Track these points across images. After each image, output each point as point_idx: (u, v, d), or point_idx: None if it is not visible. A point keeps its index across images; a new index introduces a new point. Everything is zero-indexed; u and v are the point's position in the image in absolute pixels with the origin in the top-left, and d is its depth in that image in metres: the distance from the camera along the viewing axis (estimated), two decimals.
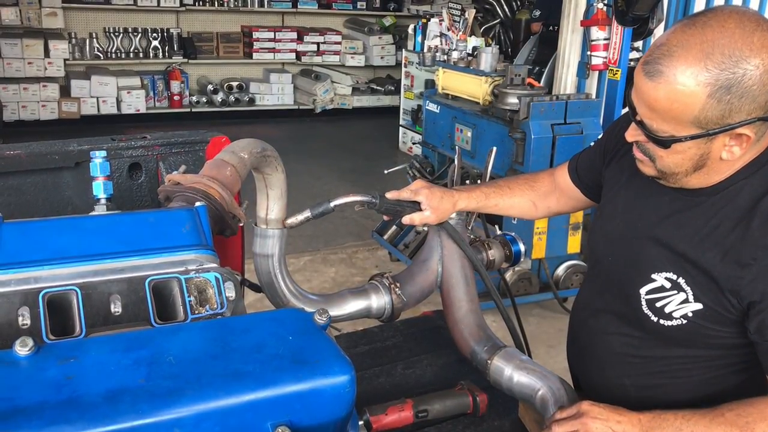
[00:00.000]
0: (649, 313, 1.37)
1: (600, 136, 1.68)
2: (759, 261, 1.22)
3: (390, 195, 1.58)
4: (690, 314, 1.31)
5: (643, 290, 1.37)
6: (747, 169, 1.27)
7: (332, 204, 1.53)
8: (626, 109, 1.74)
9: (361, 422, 1.27)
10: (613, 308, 1.48)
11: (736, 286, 1.24)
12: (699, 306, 1.30)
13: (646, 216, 1.40)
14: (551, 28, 5.44)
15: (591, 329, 1.54)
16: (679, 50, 1.16)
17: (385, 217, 1.65)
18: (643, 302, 1.37)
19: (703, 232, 1.29)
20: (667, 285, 1.33)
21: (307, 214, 1.53)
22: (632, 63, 4.52)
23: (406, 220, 1.58)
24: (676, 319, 1.33)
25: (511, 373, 1.48)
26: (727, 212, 1.28)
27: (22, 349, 0.92)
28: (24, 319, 1.07)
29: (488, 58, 4.26)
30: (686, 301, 1.31)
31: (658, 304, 1.35)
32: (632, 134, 1.30)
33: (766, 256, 1.21)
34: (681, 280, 1.31)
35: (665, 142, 1.23)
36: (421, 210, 1.58)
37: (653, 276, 1.35)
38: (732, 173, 1.28)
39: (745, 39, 1.13)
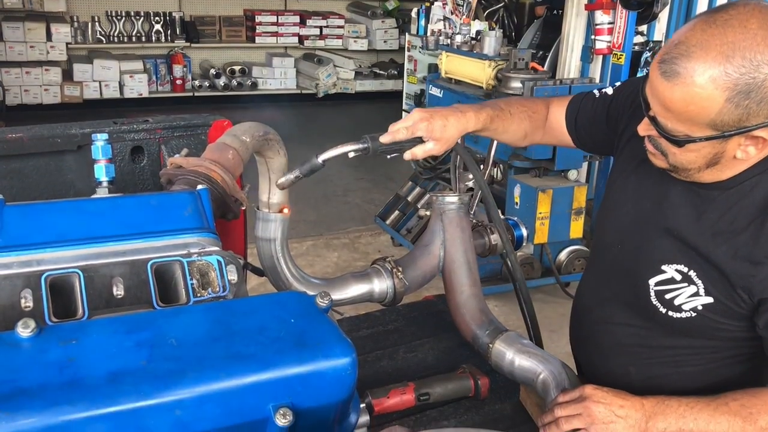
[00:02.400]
0: (658, 305, 1.35)
1: (605, 90, 1.57)
2: None
3: (384, 138, 1.43)
4: (700, 307, 1.30)
5: (652, 281, 1.35)
6: (763, 163, 1.24)
7: (320, 159, 1.42)
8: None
9: (363, 405, 1.28)
10: (619, 297, 1.46)
11: (748, 283, 1.23)
12: (710, 300, 1.28)
13: (658, 205, 1.38)
14: (555, 11, 5.40)
15: (596, 318, 1.53)
16: (697, 51, 1.11)
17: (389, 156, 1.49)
18: (652, 293, 1.36)
19: (717, 227, 1.28)
20: (678, 277, 1.32)
21: (296, 173, 1.43)
22: (636, 47, 4.49)
23: (407, 155, 1.46)
24: (686, 311, 1.31)
25: (513, 357, 1.48)
26: (741, 208, 1.26)
27: (24, 330, 0.93)
28: (26, 302, 1.08)
29: (492, 42, 4.23)
30: (696, 294, 1.30)
31: (668, 296, 1.33)
32: (645, 129, 1.27)
33: None
34: (692, 273, 1.30)
35: (679, 142, 1.20)
36: (423, 143, 1.45)
37: (663, 267, 1.34)
38: (746, 168, 1.25)
39: None
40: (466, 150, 1.53)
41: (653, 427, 1.25)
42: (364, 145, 1.43)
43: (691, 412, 1.23)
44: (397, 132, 1.42)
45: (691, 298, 1.30)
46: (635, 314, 1.42)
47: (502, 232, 1.66)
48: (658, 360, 1.43)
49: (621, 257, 1.46)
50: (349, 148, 1.43)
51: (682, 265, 1.31)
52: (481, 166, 1.77)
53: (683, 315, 1.32)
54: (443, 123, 1.44)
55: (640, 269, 1.38)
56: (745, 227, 1.24)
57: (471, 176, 1.79)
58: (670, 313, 1.33)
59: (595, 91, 1.59)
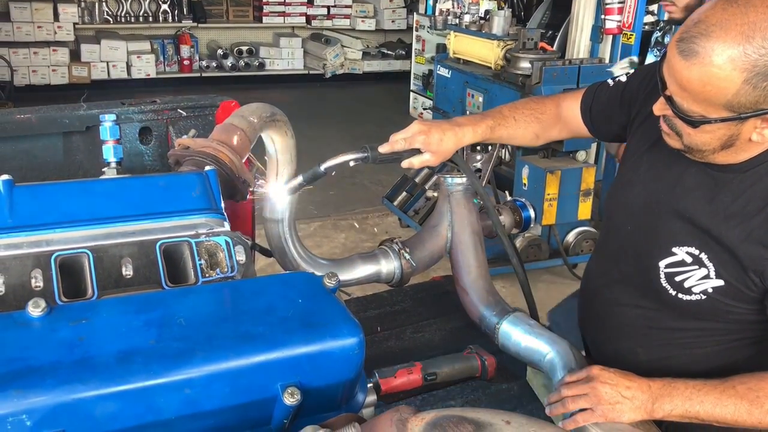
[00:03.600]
0: (668, 287, 1.35)
1: (619, 77, 1.58)
2: None
3: (383, 148, 1.49)
4: (710, 290, 1.29)
5: (662, 263, 1.34)
6: None
7: (322, 167, 1.47)
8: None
9: (370, 384, 1.29)
10: (628, 279, 1.46)
11: (760, 266, 1.23)
12: (720, 282, 1.28)
13: (670, 187, 1.37)
14: None
15: (604, 299, 1.53)
16: (717, 30, 1.09)
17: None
18: (662, 275, 1.35)
19: (730, 210, 1.27)
20: (688, 260, 1.31)
21: (299, 180, 1.48)
22: (647, 27, 4.45)
23: (405, 164, 1.51)
24: (696, 294, 1.31)
25: (520, 337, 1.48)
26: (756, 191, 1.25)
27: (35, 310, 0.94)
28: (37, 282, 1.09)
29: (500, 21, 4.20)
30: (707, 276, 1.29)
31: (678, 278, 1.33)
32: (660, 108, 1.26)
33: None
34: (703, 256, 1.29)
35: (694, 122, 1.19)
36: (420, 153, 1.50)
37: (674, 249, 1.33)
38: (762, 152, 1.24)
39: None
40: (461, 157, 1.58)
41: (659, 408, 1.25)
42: (364, 155, 1.49)
43: (698, 394, 1.23)
44: (395, 143, 1.48)
45: (701, 280, 1.30)
46: (644, 296, 1.42)
47: (494, 219, 1.66)
48: (666, 342, 1.42)
49: (631, 239, 1.45)
50: (350, 157, 1.49)
51: (693, 248, 1.30)
52: (489, 147, 1.76)
53: (693, 297, 1.32)
54: (440, 137, 1.49)
55: (650, 251, 1.37)
56: (759, 210, 1.23)
57: (479, 157, 1.79)
58: (680, 295, 1.33)
59: (609, 81, 1.59)
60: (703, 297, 1.31)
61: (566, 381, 1.32)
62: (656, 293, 1.37)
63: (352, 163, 1.50)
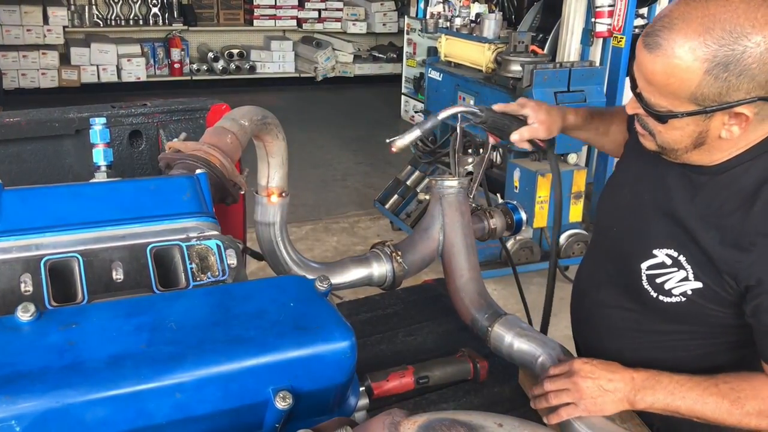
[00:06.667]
0: (649, 289, 1.35)
1: None
2: (758, 247, 1.19)
3: (497, 107, 1.58)
4: (689, 292, 1.29)
5: (644, 265, 1.35)
6: (755, 149, 1.23)
7: (440, 116, 1.56)
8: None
9: (362, 388, 1.28)
10: (614, 281, 1.47)
11: (733, 269, 1.22)
12: (699, 285, 1.28)
13: (654, 189, 1.38)
14: None
15: (592, 301, 1.54)
16: (679, 23, 1.12)
17: (492, 139, 1.63)
18: (644, 277, 1.36)
19: (705, 212, 1.27)
20: (668, 262, 1.32)
21: (416, 132, 1.54)
22: (637, 30, 4.47)
23: (515, 136, 1.56)
24: (676, 296, 1.31)
25: (512, 340, 1.48)
26: (731, 193, 1.25)
27: (24, 314, 0.93)
28: (26, 286, 1.08)
29: (491, 24, 4.21)
30: (686, 279, 1.29)
31: (658, 280, 1.33)
32: (632, 107, 1.27)
33: (765, 242, 1.19)
34: (682, 258, 1.30)
35: (662, 117, 1.20)
36: (527, 125, 1.56)
37: (655, 252, 1.33)
38: (739, 153, 1.24)
39: (749, 14, 1.08)
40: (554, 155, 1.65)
41: (641, 400, 1.27)
42: (479, 113, 1.57)
43: (681, 390, 1.25)
44: (509, 104, 1.59)
45: (680, 282, 1.30)
46: (629, 298, 1.43)
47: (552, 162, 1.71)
48: (650, 344, 1.43)
49: (616, 240, 1.46)
50: (464, 109, 1.57)
51: (672, 250, 1.31)
52: (481, 150, 1.77)
53: (673, 300, 1.32)
54: (548, 109, 1.59)
55: (633, 252, 1.38)
56: (732, 213, 1.23)
57: (470, 160, 1.79)
58: (661, 297, 1.33)
59: None
60: (683, 299, 1.31)
61: (549, 374, 1.32)
62: (639, 295, 1.38)
63: (461, 124, 1.58)
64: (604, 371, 1.29)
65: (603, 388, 1.28)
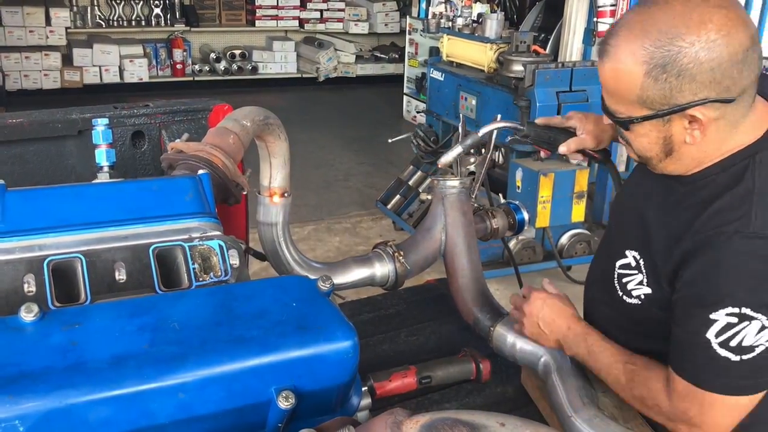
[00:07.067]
0: (618, 287, 1.36)
1: None
2: (690, 255, 1.18)
3: (539, 120, 1.56)
4: (643, 296, 1.30)
5: (617, 263, 1.36)
6: (727, 161, 1.20)
7: (480, 133, 1.57)
8: None
9: (365, 388, 1.29)
10: (600, 278, 1.48)
11: (671, 276, 1.22)
12: (649, 290, 1.29)
13: (639, 192, 1.39)
14: None
15: (588, 297, 1.55)
16: (622, 29, 1.15)
17: (542, 153, 1.64)
18: (615, 275, 1.37)
19: (665, 219, 1.27)
20: (633, 263, 1.33)
21: (458, 149, 1.56)
22: None
23: (562, 148, 1.53)
24: (634, 297, 1.32)
25: (514, 340, 1.49)
26: (689, 204, 1.23)
27: (28, 315, 0.93)
28: (29, 287, 1.08)
29: (493, 24, 4.21)
30: (641, 283, 1.30)
31: (624, 280, 1.34)
32: (605, 118, 1.29)
33: (697, 250, 1.17)
34: (641, 262, 1.31)
35: (623, 124, 1.22)
36: (576, 136, 1.54)
37: (626, 252, 1.34)
38: (710, 164, 1.22)
39: (685, 15, 1.09)
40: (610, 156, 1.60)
41: (567, 348, 1.40)
42: (520, 126, 1.56)
43: (596, 354, 1.33)
44: (552, 118, 1.56)
45: (638, 286, 1.31)
46: (606, 295, 1.43)
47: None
48: (624, 342, 1.42)
49: (606, 239, 1.50)
50: (506, 124, 1.57)
51: (637, 252, 1.32)
52: (482, 150, 1.77)
53: (632, 301, 1.33)
54: (596, 119, 1.55)
55: (613, 251, 1.40)
56: (684, 222, 1.22)
57: (472, 160, 1.79)
58: (624, 297, 1.34)
59: None
60: (639, 302, 1.31)
61: (522, 292, 1.49)
62: (612, 293, 1.38)
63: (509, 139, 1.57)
64: (549, 312, 1.42)
65: (540, 327, 1.42)
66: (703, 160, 1.22)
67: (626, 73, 1.15)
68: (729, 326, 1.11)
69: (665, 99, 1.14)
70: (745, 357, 1.11)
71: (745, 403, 1.16)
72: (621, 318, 1.38)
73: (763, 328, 1.10)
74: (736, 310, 1.10)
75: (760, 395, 1.17)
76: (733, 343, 1.11)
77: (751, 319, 1.10)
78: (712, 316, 1.12)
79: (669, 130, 1.18)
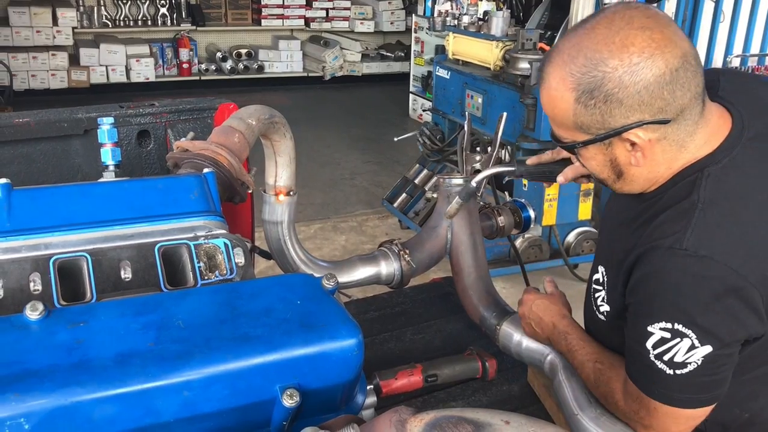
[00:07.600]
0: (592, 301, 1.36)
1: None
2: (633, 266, 1.17)
3: (530, 160, 1.53)
4: (606, 312, 1.30)
5: (593, 278, 1.36)
6: (674, 179, 1.18)
7: (473, 183, 1.57)
8: None
9: (370, 386, 1.29)
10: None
11: (622, 289, 1.21)
12: (608, 308, 1.28)
13: (613, 207, 1.38)
14: None
15: (586, 305, 1.54)
16: (554, 56, 1.14)
17: (546, 185, 1.62)
18: (591, 289, 1.36)
19: (624, 234, 1.25)
20: (601, 279, 1.32)
21: (457, 200, 1.57)
22: None
23: (560, 178, 1.48)
24: (601, 313, 1.32)
25: (521, 338, 1.48)
26: (643, 220, 1.21)
27: (33, 313, 0.93)
28: (35, 285, 1.08)
29: (499, 22, 4.19)
30: (603, 300, 1.30)
31: (596, 295, 1.34)
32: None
33: (638, 262, 1.16)
34: (605, 278, 1.30)
35: (569, 148, 1.21)
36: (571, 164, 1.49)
37: (599, 267, 1.34)
38: (664, 182, 1.20)
39: (607, 40, 1.07)
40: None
41: (555, 344, 1.41)
42: (512, 168, 1.54)
43: (574, 352, 1.34)
44: (542, 155, 1.52)
45: (602, 302, 1.31)
46: (589, 308, 1.42)
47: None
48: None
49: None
50: (498, 170, 1.56)
51: (604, 269, 1.31)
52: (489, 148, 1.76)
53: (600, 316, 1.32)
54: None
55: (593, 265, 1.39)
56: (635, 237, 1.20)
57: (478, 158, 1.79)
58: (594, 309, 1.34)
59: None
60: (604, 318, 1.31)
61: (526, 290, 1.52)
62: (589, 306, 1.38)
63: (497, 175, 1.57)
64: (537, 312, 1.44)
65: (532, 326, 1.45)
66: (657, 179, 1.20)
67: (559, 100, 1.13)
68: (663, 340, 1.11)
69: (600, 123, 1.12)
70: (678, 372, 1.11)
71: (690, 414, 1.15)
72: (598, 331, 1.37)
73: (692, 347, 1.09)
74: (669, 325, 1.10)
75: (710, 408, 1.15)
76: (667, 357, 1.11)
77: (682, 336, 1.09)
78: (649, 328, 1.12)
79: (612, 153, 1.17)
